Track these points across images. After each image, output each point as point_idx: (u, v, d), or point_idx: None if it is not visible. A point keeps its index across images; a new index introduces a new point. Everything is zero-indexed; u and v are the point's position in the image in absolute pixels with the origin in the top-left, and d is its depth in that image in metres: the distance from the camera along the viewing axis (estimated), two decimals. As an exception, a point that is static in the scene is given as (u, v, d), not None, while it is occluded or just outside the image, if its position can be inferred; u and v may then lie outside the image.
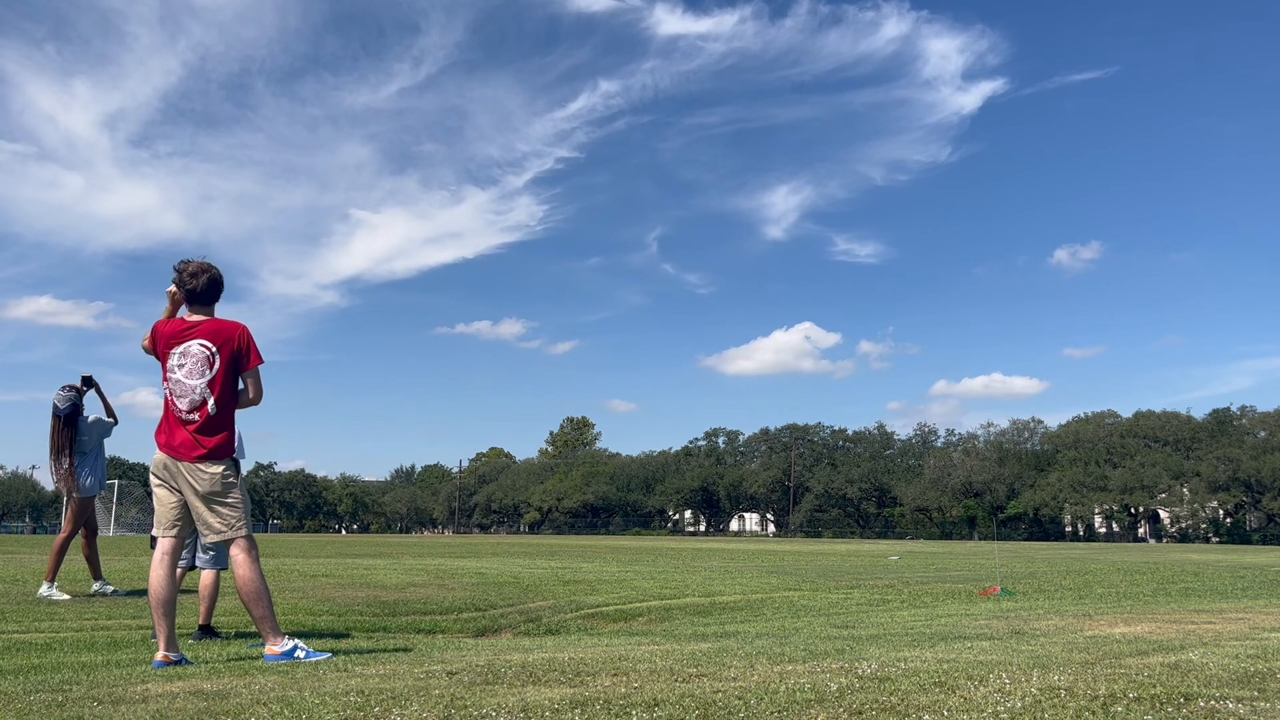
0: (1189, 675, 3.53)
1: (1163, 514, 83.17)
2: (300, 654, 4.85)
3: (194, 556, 6.64)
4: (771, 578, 12.91)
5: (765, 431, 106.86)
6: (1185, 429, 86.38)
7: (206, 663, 4.83)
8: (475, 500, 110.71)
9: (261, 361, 5.07)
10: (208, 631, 6.56)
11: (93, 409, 9.05)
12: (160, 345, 5.01)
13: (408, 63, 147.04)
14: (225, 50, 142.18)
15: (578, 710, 3.03)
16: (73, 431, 8.73)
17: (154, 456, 5.00)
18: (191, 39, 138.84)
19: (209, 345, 4.93)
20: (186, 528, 5.00)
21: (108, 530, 50.53)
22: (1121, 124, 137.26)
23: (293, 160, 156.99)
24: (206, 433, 4.90)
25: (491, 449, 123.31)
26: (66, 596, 8.58)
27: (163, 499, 4.96)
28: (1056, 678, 3.44)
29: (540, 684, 3.51)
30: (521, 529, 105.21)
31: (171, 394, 4.94)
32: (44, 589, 8.61)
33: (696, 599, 10.01)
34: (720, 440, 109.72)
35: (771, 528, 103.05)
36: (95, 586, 9.05)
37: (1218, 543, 72.07)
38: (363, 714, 3.04)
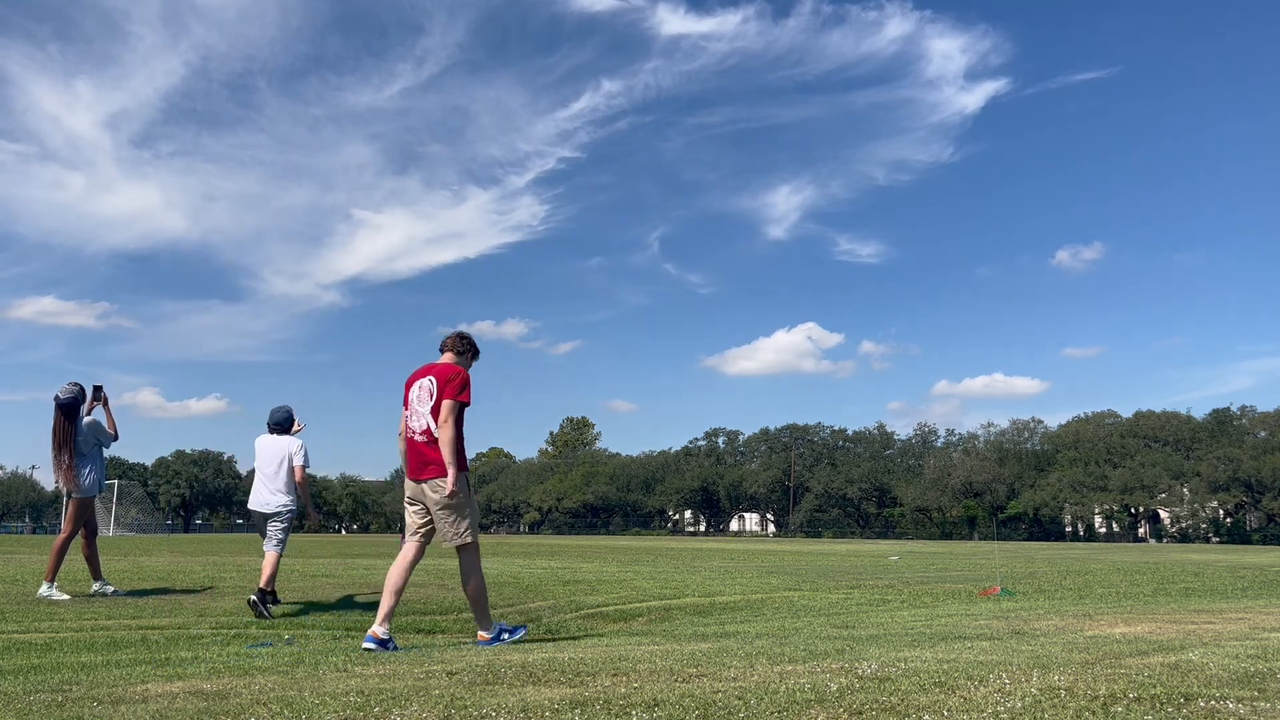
0: (1189, 675, 3.52)
1: (1163, 514, 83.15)
2: (506, 636, 6.10)
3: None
4: (771, 578, 12.91)
5: (765, 431, 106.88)
6: (1185, 429, 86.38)
7: (206, 662, 4.83)
8: (475, 500, 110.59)
9: (457, 398, 5.90)
10: (265, 596, 8.01)
11: (96, 418, 9.07)
12: (408, 385, 6.12)
13: (410, 63, 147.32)
14: (228, 50, 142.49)
15: (578, 710, 3.03)
16: (72, 427, 8.73)
17: (406, 484, 6.06)
18: (194, 39, 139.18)
19: (434, 380, 5.99)
20: (429, 536, 6.06)
21: (108, 530, 50.54)
22: (1124, 124, 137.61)
23: (295, 160, 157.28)
24: (434, 451, 5.86)
25: (491, 449, 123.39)
26: (66, 596, 8.58)
27: (413, 514, 6.04)
28: (1056, 678, 3.44)
29: (540, 684, 3.51)
30: (521, 529, 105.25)
31: (407, 420, 6.02)
32: (44, 589, 8.61)
33: (696, 599, 10.01)
34: (720, 440, 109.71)
35: (771, 528, 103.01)
36: (95, 586, 9.05)
37: (1218, 543, 72.06)
38: (363, 714, 3.03)
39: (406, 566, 5.95)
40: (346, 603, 8.87)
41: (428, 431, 5.88)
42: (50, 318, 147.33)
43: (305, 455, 8.62)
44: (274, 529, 8.47)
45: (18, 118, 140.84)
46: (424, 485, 5.90)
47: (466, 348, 6.27)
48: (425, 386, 5.97)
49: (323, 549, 24.62)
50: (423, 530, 6.02)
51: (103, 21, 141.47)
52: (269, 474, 8.56)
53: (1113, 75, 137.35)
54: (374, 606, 8.48)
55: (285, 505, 8.51)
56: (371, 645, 5.56)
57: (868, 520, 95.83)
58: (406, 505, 6.09)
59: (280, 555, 8.42)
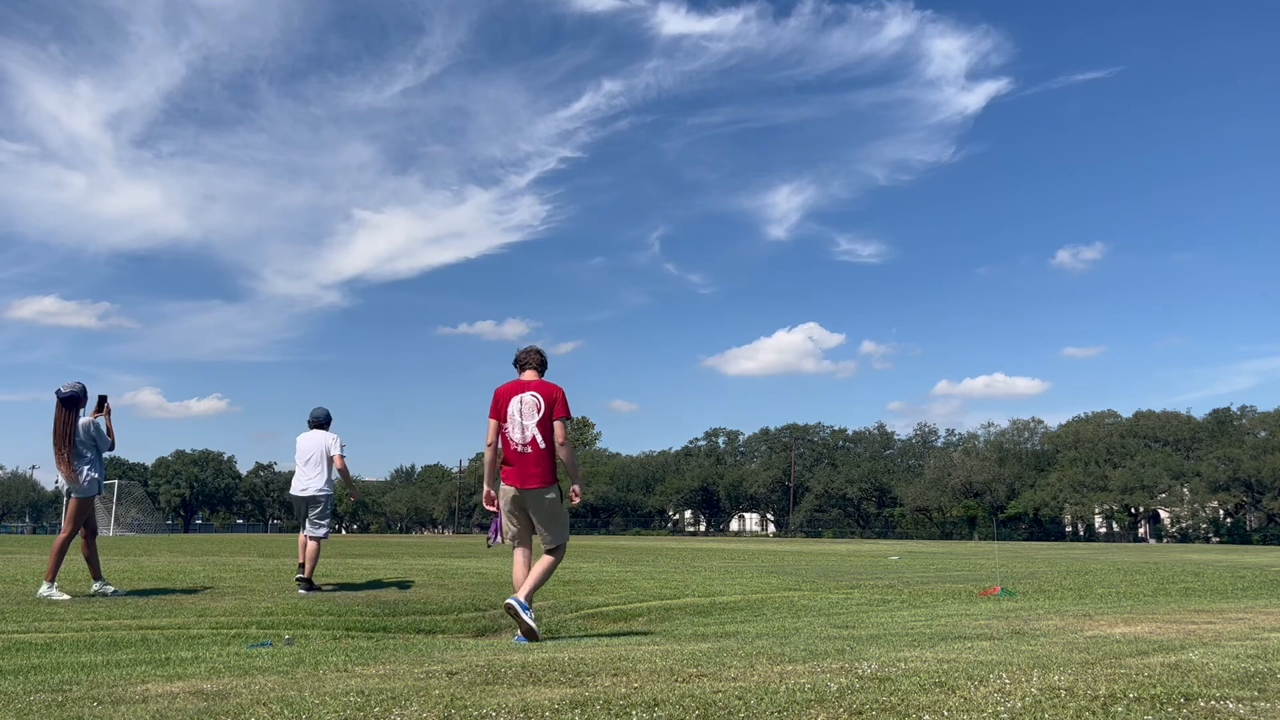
0: (1189, 675, 3.52)
1: (1163, 514, 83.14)
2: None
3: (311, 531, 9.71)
4: (771, 578, 12.90)
5: (765, 431, 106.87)
6: (1185, 429, 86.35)
7: (206, 662, 4.83)
8: (475, 500, 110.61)
9: (569, 415, 6.47)
10: (309, 584, 9.44)
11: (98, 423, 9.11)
12: (502, 399, 6.46)
13: (411, 62, 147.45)
14: (229, 50, 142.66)
15: (578, 710, 3.03)
16: (73, 420, 8.74)
17: (504, 490, 6.41)
18: (195, 39, 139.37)
19: (538, 397, 6.41)
20: (530, 537, 6.54)
21: (107, 530, 50.53)
22: (1125, 124, 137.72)
23: (295, 160, 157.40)
24: (538, 464, 6.32)
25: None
26: (66, 596, 8.58)
27: (513, 522, 6.48)
28: (1056, 678, 3.44)
29: (540, 684, 3.51)
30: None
31: (509, 432, 6.36)
32: (44, 589, 8.61)
33: (696, 599, 10.01)
34: (720, 440, 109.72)
35: (771, 528, 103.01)
36: (95, 586, 9.05)
37: (1218, 543, 72.05)
38: (363, 714, 3.03)
39: (527, 570, 6.42)
40: (347, 603, 8.87)
41: (533, 443, 6.33)
42: (51, 318, 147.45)
43: (341, 446, 9.91)
44: (314, 516, 9.75)
45: (18, 118, 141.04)
46: (529, 493, 6.35)
47: (544, 362, 6.74)
48: (529, 402, 6.40)
49: (323, 549, 24.61)
50: (523, 534, 6.51)
51: (103, 21, 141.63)
52: (309, 464, 9.74)
53: (1113, 75, 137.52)
54: (374, 607, 8.50)
55: (322, 490, 9.67)
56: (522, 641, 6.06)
57: (868, 520, 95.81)
58: (507, 513, 6.45)
59: (320, 545, 9.75)
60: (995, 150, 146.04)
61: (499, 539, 6.82)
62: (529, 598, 6.22)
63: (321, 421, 10.04)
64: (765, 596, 10.41)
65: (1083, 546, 50.22)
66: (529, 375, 6.60)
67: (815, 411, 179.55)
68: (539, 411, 6.36)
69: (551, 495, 6.38)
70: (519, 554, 6.50)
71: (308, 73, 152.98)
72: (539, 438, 6.32)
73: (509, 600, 6.11)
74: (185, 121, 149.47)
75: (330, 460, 9.79)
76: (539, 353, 6.73)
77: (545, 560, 6.42)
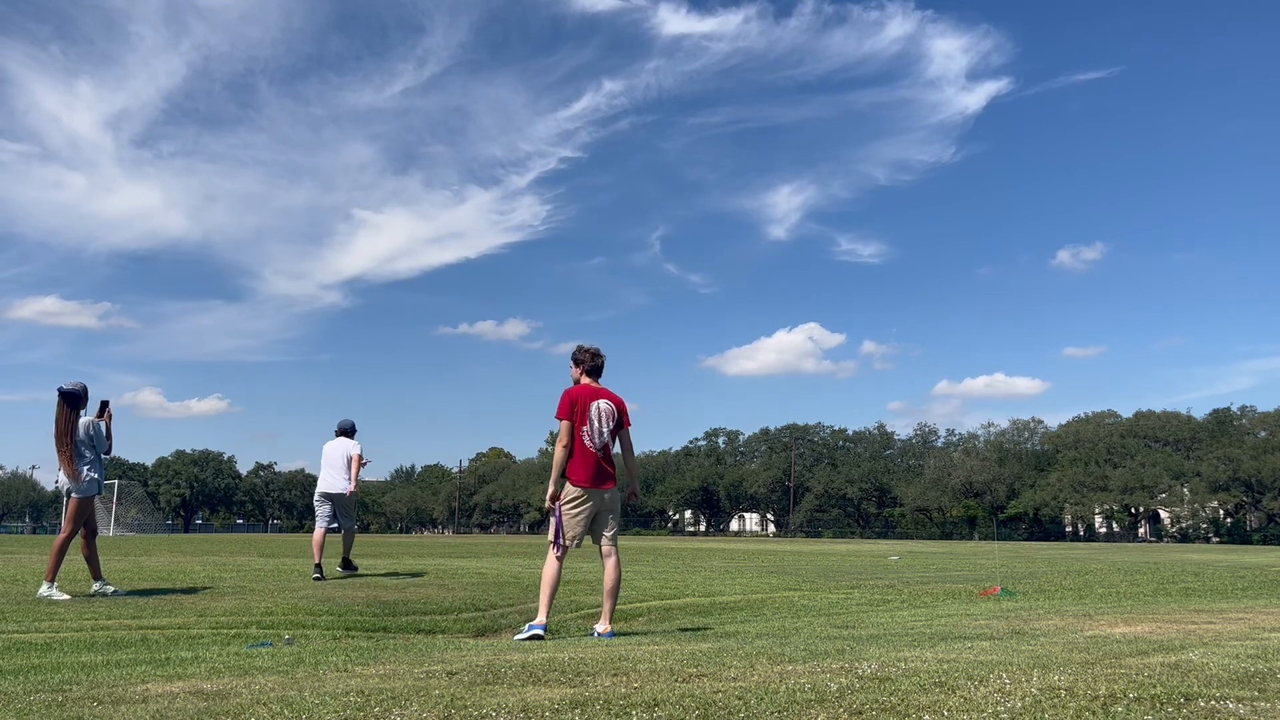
0: (1189, 675, 3.52)
1: (1163, 514, 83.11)
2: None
3: (337, 524, 11.35)
4: (771, 578, 12.90)
5: (765, 431, 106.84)
6: (1185, 429, 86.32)
7: (206, 662, 4.83)
8: (475, 500, 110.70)
9: (630, 424, 7.00)
10: (348, 565, 11.69)
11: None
12: (581, 402, 6.79)
13: (411, 63, 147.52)
14: (229, 50, 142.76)
15: (578, 710, 3.03)
16: (75, 416, 8.74)
17: (573, 491, 6.70)
18: (196, 39, 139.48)
19: (614, 407, 6.89)
20: (584, 539, 6.83)
21: (108, 530, 50.52)
22: (1125, 124, 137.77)
23: (296, 160, 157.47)
24: (613, 465, 6.84)
25: (492, 449, 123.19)
26: (66, 596, 8.58)
27: (581, 520, 6.73)
28: (1056, 678, 3.44)
29: (540, 684, 3.51)
30: (521, 529, 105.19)
31: (588, 435, 6.73)
32: (44, 589, 8.61)
33: (696, 599, 10.01)
34: (720, 440, 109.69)
35: (771, 528, 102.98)
36: (95, 586, 9.04)
37: (1218, 543, 72.03)
38: (363, 714, 3.03)
39: (560, 569, 6.75)
40: (347, 603, 8.87)
41: (607, 448, 6.83)
42: (51, 318, 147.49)
43: (361, 448, 11.48)
44: (343, 511, 11.36)
45: (19, 118, 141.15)
46: (608, 492, 6.81)
47: (603, 367, 7.16)
48: (606, 410, 6.85)
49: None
50: (583, 536, 6.78)
51: (104, 21, 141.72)
52: (337, 466, 11.28)
53: (1114, 75, 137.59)
54: (374, 607, 8.50)
55: (348, 488, 11.24)
56: (539, 632, 6.41)
57: (868, 520, 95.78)
58: (576, 512, 6.72)
59: (353, 532, 11.67)
60: (995, 150, 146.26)
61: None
62: (611, 619, 6.73)
63: (347, 430, 11.58)
64: (765, 596, 10.41)
65: (1083, 546, 50.21)
66: (590, 380, 7.00)
67: (815, 411, 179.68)
68: (612, 420, 6.86)
69: (620, 494, 6.98)
70: (564, 554, 6.74)
71: (308, 73, 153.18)
72: (610, 443, 6.85)
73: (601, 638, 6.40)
74: (185, 121, 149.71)
75: (350, 462, 11.21)
76: (603, 358, 7.14)
77: (611, 577, 6.77)
